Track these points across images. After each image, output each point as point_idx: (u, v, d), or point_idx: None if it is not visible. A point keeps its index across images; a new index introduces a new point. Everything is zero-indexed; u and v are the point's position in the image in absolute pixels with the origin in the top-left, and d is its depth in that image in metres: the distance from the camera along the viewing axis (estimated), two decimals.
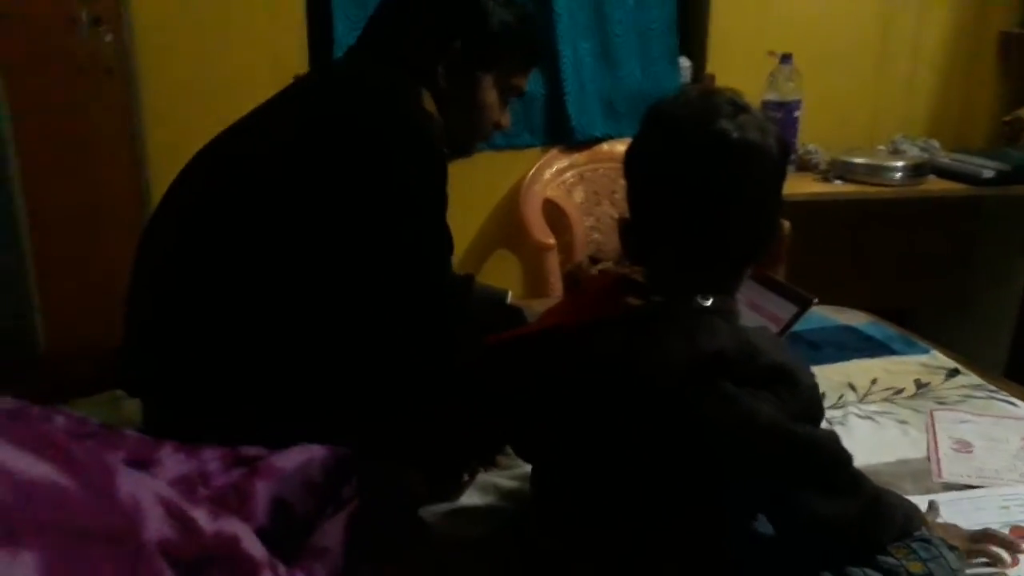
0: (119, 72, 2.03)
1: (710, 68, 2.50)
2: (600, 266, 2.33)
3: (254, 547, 0.81)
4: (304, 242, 1.11)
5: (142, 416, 1.21)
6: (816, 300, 1.60)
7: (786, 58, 2.16)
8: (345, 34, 2.27)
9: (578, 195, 2.48)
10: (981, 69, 2.60)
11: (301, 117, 1.17)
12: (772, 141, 0.85)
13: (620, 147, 2.47)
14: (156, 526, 0.72)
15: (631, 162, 0.91)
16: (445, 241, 1.22)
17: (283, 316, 1.12)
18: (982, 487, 1.22)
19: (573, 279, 2.26)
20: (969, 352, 1.77)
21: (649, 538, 0.88)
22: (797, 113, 2.18)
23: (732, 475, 0.84)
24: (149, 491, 0.74)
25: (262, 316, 1.12)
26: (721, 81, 2.49)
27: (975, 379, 1.54)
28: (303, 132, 1.14)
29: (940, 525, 1.03)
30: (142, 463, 0.90)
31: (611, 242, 2.51)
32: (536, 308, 1.62)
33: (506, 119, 1.37)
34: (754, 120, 0.84)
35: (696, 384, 0.81)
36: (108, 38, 1.99)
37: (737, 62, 2.47)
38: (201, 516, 0.77)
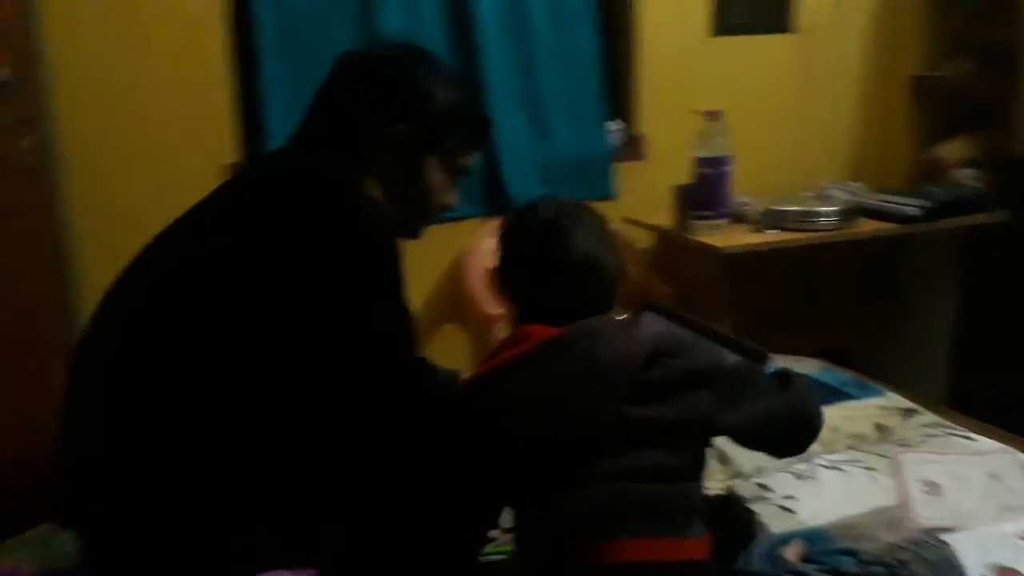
0: (42, 177, 1.92)
1: (642, 129, 2.55)
2: None
3: None
4: (264, 346, 1.07)
5: (79, 552, 1.12)
6: (768, 353, 1.62)
7: (715, 115, 2.22)
8: (278, 121, 2.25)
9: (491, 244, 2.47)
10: (895, 112, 2.71)
11: (246, 212, 1.14)
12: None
13: None
14: None
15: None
16: (407, 324, 1.20)
17: (245, 432, 1.07)
18: (958, 529, 1.22)
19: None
20: (907, 387, 1.81)
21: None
22: (728, 167, 2.23)
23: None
24: None
25: (222, 432, 1.06)
26: (653, 139, 2.55)
27: (931, 417, 1.56)
28: (250, 228, 1.11)
29: None
30: None
31: None
32: None
33: (453, 199, 1.36)
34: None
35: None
36: (28, 141, 1.91)
37: (667, 122, 2.53)
38: None
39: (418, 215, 1.32)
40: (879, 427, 1.54)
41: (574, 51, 2.49)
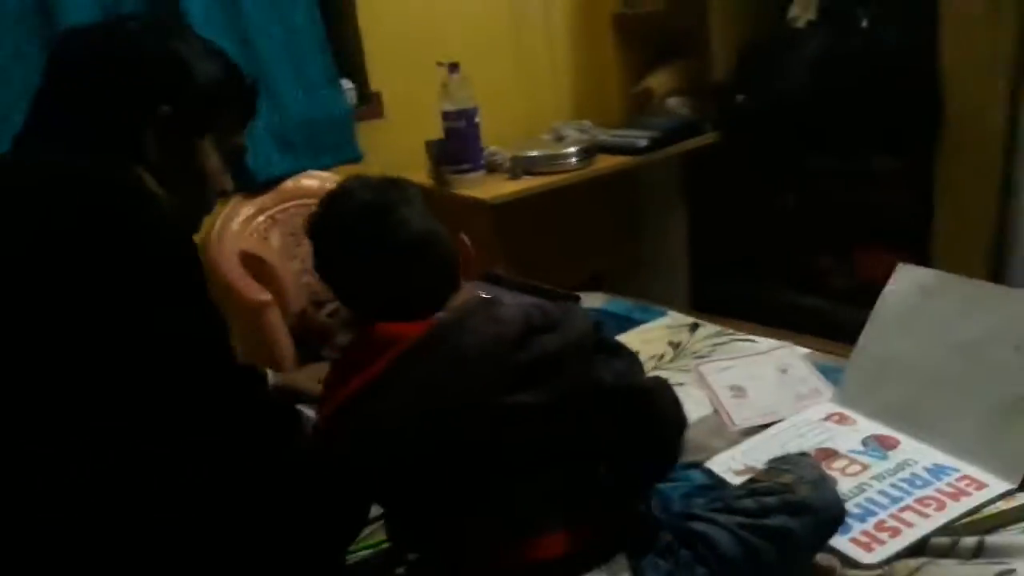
0: None
1: (374, 86, 2.47)
2: (328, 308, 2.21)
3: None
4: (69, 372, 0.91)
5: None
6: (579, 296, 1.68)
7: (454, 67, 2.21)
8: None
9: (275, 240, 2.31)
10: (603, 50, 2.87)
11: (19, 227, 0.94)
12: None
13: (306, 181, 2.35)
14: None
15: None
16: (222, 327, 1.06)
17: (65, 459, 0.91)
18: (771, 423, 1.37)
19: (304, 328, 2.12)
20: (658, 301, 2.00)
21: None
22: (477, 119, 2.24)
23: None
24: None
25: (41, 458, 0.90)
26: (391, 95, 2.48)
27: (713, 328, 1.72)
28: (31, 246, 0.92)
29: None
30: None
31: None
32: (301, 381, 1.49)
33: (229, 183, 1.22)
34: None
35: None
36: None
37: (396, 78, 2.47)
38: None
39: (196, 205, 1.17)
40: (672, 344, 1.66)
41: (289, 8, 2.32)
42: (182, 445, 0.98)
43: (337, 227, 1.05)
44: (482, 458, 0.92)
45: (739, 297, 2.43)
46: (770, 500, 0.97)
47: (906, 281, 1.39)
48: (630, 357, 1.04)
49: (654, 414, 0.99)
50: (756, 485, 1.03)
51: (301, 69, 2.35)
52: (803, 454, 1.14)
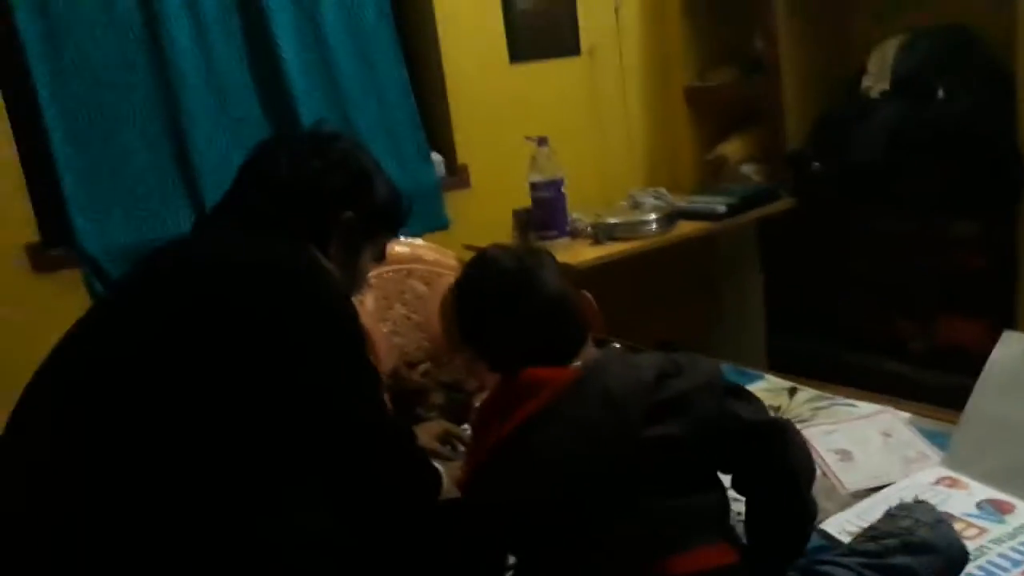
0: None
1: (462, 159, 2.59)
2: (421, 368, 2.29)
3: None
4: (258, 445, 1.00)
5: None
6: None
7: (543, 140, 2.32)
8: (76, 191, 2.03)
9: (369, 303, 2.41)
10: (676, 120, 2.98)
11: (216, 306, 1.05)
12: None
13: (398, 248, 2.45)
14: None
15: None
16: (378, 388, 1.21)
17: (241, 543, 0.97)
18: (882, 487, 1.40)
19: (398, 389, 2.20)
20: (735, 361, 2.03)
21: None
22: (563, 188, 2.35)
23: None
24: None
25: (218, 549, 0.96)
26: (477, 167, 2.60)
27: (811, 392, 1.75)
28: (226, 324, 1.04)
29: None
30: None
31: (412, 341, 2.48)
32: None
33: (369, 280, 1.39)
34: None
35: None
36: None
37: (483, 150, 2.60)
38: None
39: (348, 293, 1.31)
40: (772, 408, 1.70)
41: (384, 85, 2.48)
42: (351, 504, 1.07)
43: (482, 288, 1.17)
44: (627, 483, 1.01)
45: (816, 362, 2.46)
46: (891, 542, 1.02)
47: (1013, 345, 1.43)
48: (758, 400, 1.13)
49: (788, 448, 1.08)
50: (876, 532, 1.08)
51: (396, 142, 2.49)
52: (919, 501, 1.17)
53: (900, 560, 1.01)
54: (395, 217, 1.32)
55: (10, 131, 1.95)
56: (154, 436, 0.98)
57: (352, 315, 1.13)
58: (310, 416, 1.05)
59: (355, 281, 1.30)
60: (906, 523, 1.06)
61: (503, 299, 1.14)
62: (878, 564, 1.01)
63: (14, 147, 1.96)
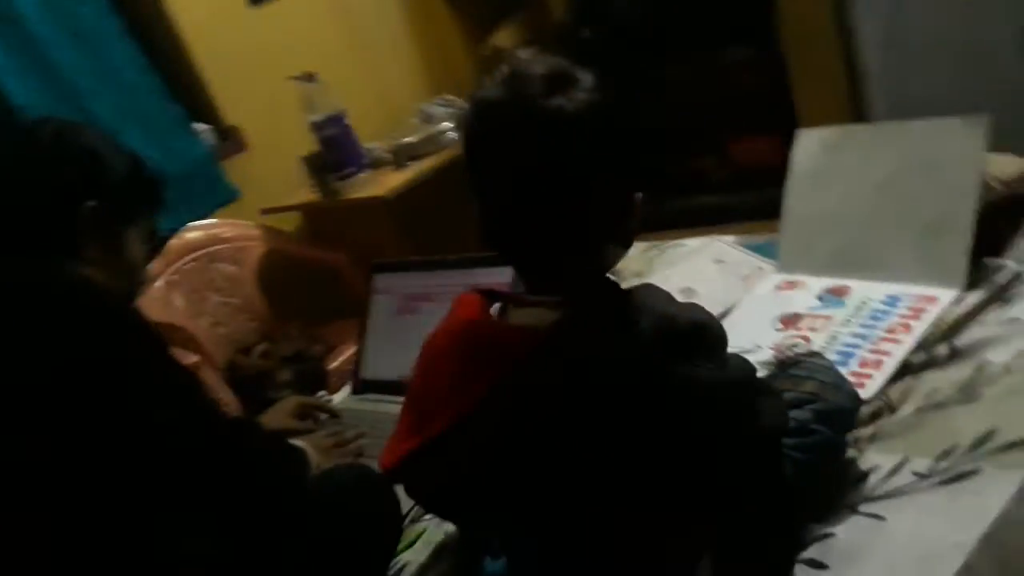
0: None
1: (230, 120, 2.39)
2: (258, 350, 2.15)
3: None
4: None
5: None
6: None
7: (310, 77, 2.16)
8: None
9: (178, 301, 2.22)
10: (440, 23, 2.87)
11: None
12: (585, 111, 0.77)
13: (190, 235, 2.26)
14: None
15: (466, 158, 0.83)
16: (195, 383, 1.06)
17: None
18: (730, 310, 1.43)
19: (239, 377, 2.06)
20: None
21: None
22: (347, 121, 2.21)
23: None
24: None
25: None
26: (250, 125, 2.41)
27: (641, 244, 1.76)
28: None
29: None
30: None
31: (239, 327, 2.32)
32: (276, 422, 1.46)
33: (149, 273, 1.23)
34: (569, 93, 0.77)
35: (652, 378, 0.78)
36: None
37: (251, 107, 2.41)
38: None
39: (130, 293, 1.16)
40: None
41: (115, 68, 2.22)
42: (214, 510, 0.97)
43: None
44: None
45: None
46: (802, 415, 0.95)
47: (809, 143, 1.47)
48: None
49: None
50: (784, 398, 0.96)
51: (148, 125, 2.25)
52: (813, 353, 1.10)
53: (820, 435, 0.94)
54: (146, 188, 1.16)
55: None
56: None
57: (131, 323, 0.99)
58: (139, 445, 0.94)
59: (130, 275, 1.14)
60: (809, 386, 0.99)
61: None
62: (800, 444, 0.92)
63: None
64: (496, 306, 0.87)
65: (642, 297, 0.84)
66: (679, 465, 0.78)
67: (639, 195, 0.83)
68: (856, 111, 2.27)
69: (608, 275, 0.86)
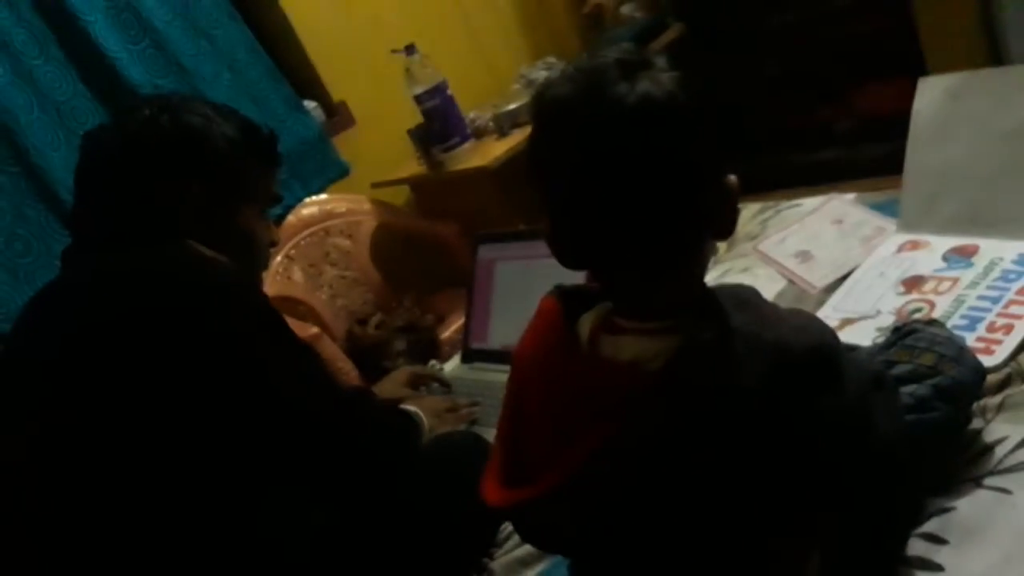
0: None
1: (337, 96, 2.44)
2: (374, 321, 2.21)
3: None
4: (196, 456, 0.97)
5: None
6: None
7: (410, 49, 2.17)
8: None
9: (297, 276, 2.31)
10: None
11: (95, 343, 0.98)
12: (675, 91, 0.70)
13: (306, 211, 2.34)
14: None
15: (531, 167, 0.76)
16: (315, 364, 1.11)
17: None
18: (849, 273, 1.36)
19: (357, 348, 2.12)
20: None
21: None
22: (449, 92, 2.22)
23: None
24: None
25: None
26: (355, 101, 2.46)
27: (755, 206, 1.70)
28: (123, 347, 0.97)
29: None
30: None
31: (355, 298, 2.39)
32: (391, 391, 1.51)
33: (276, 234, 1.26)
34: (650, 75, 0.70)
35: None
36: None
37: (356, 82, 2.45)
38: None
39: (252, 264, 1.20)
40: None
41: (229, 51, 2.29)
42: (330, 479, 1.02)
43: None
44: None
45: (748, 174, 2.41)
46: (922, 391, 0.90)
47: (932, 92, 1.37)
48: None
49: None
50: (899, 371, 0.93)
51: (261, 105, 2.32)
52: (932, 321, 1.03)
53: (940, 412, 0.89)
54: (257, 155, 1.15)
55: None
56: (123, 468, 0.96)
57: (250, 301, 1.03)
58: (264, 418, 0.99)
59: (252, 251, 1.16)
60: (928, 358, 0.93)
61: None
62: (920, 420, 0.87)
63: None
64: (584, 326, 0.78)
65: (743, 321, 0.74)
66: (800, 486, 0.75)
67: (733, 178, 0.75)
68: (992, 53, 2.10)
69: (707, 287, 0.78)
